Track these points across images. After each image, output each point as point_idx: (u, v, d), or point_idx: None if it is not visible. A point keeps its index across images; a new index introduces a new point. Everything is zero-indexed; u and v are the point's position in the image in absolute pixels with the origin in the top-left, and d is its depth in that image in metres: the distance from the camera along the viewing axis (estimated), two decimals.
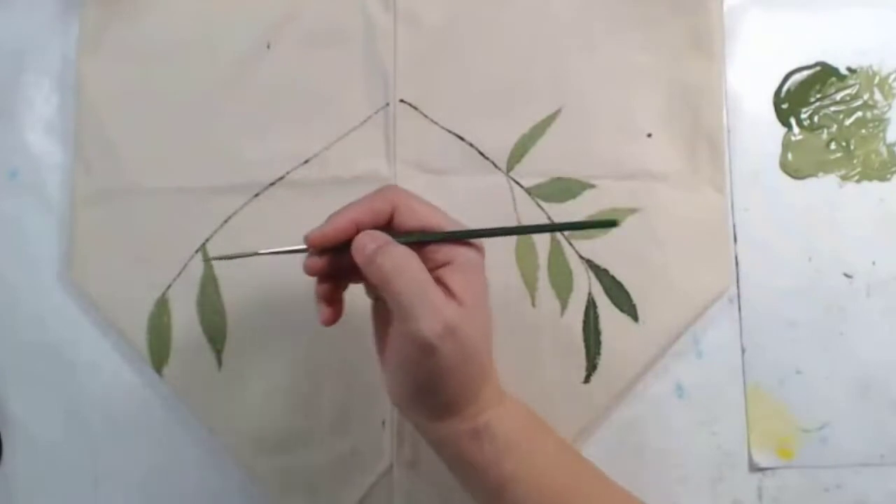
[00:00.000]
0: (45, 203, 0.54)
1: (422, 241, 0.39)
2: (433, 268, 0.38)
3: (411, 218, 0.39)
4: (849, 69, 0.55)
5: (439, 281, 0.38)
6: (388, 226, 0.39)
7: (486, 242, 0.40)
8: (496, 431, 0.38)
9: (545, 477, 0.39)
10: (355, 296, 0.42)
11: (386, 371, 0.40)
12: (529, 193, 0.52)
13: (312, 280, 0.40)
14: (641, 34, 0.54)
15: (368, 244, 0.38)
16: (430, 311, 0.36)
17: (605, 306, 0.51)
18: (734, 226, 0.53)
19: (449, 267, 0.38)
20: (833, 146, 0.54)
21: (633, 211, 0.52)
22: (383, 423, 0.50)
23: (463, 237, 0.39)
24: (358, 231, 0.39)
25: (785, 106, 0.55)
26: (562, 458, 0.41)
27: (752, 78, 0.55)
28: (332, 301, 0.41)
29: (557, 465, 0.40)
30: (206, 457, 0.51)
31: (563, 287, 0.51)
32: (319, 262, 0.40)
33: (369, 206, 0.39)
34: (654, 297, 0.51)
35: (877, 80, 0.55)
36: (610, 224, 0.42)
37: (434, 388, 0.38)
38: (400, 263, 0.37)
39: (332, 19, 0.54)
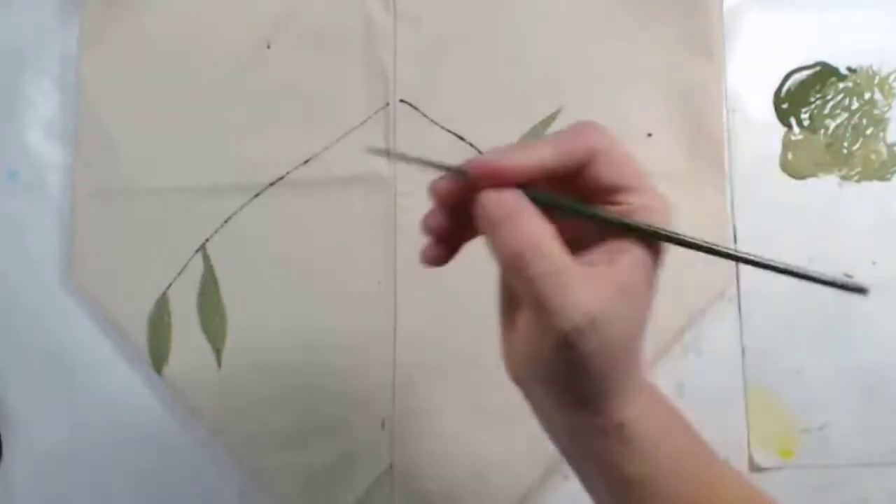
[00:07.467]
0: (46, 203, 0.54)
1: (586, 215, 0.30)
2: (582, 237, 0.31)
3: (611, 174, 0.31)
4: (849, 69, 0.55)
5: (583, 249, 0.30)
6: (578, 177, 0.31)
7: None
8: (629, 433, 0.32)
9: (673, 486, 0.33)
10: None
11: (511, 353, 0.32)
12: None
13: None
14: (641, 34, 0.54)
15: (495, 210, 0.29)
16: (569, 303, 0.28)
17: None
18: (734, 226, 0.53)
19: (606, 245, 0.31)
20: (833, 146, 0.54)
21: None
22: (383, 423, 0.50)
23: (649, 235, 0.31)
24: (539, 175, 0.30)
25: (785, 106, 0.54)
26: (697, 462, 0.34)
27: (752, 78, 0.54)
28: (447, 239, 0.32)
29: (690, 471, 0.33)
30: (206, 457, 0.52)
31: None
32: (455, 190, 0.31)
33: (564, 146, 0.30)
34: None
35: (877, 80, 0.54)
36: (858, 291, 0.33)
37: (567, 383, 0.31)
38: (533, 244, 0.29)
39: (332, 19, 0.54)
